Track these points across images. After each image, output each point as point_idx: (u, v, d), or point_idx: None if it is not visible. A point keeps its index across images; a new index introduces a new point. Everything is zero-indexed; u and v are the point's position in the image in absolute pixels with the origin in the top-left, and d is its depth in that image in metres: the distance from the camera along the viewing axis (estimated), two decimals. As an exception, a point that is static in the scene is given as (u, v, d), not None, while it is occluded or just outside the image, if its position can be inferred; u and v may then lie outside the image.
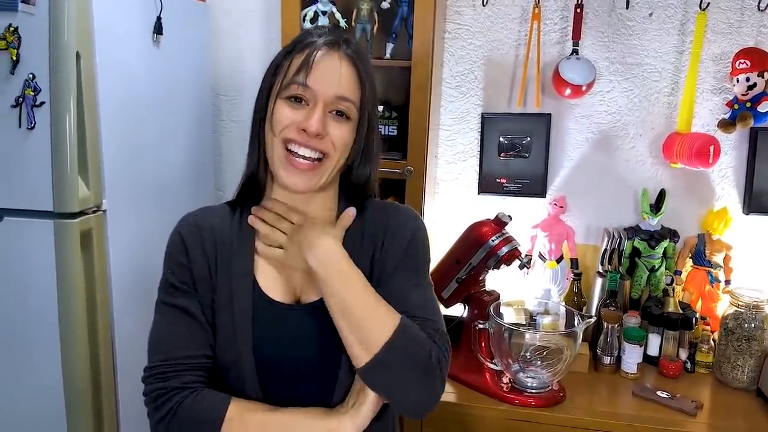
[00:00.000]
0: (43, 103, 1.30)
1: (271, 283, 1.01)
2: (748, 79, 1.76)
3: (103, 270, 1.44)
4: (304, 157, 0.95)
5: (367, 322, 0.91)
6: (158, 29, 1.63)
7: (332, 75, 0.94)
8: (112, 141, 1.45)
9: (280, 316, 0.99)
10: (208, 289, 0.99)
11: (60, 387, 1.38)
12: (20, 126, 1.31)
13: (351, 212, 1.02)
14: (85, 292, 1.39)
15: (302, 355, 0.99)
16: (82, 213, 1.37)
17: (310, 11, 1.75)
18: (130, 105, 1.54)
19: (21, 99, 1.30)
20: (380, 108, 1.85)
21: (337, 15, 1.75)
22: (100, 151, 1.41)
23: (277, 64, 0.98)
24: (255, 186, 1.04)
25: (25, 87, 1.30)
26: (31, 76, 1.30)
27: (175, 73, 1.77)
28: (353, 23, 1.80)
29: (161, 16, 1.63)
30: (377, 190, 1.09)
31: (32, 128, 1.31)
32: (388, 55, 1.81)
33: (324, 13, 1.75)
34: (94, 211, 1.42)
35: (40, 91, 1.30)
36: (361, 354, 0.91)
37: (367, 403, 0.95)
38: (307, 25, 1.73)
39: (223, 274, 0.99)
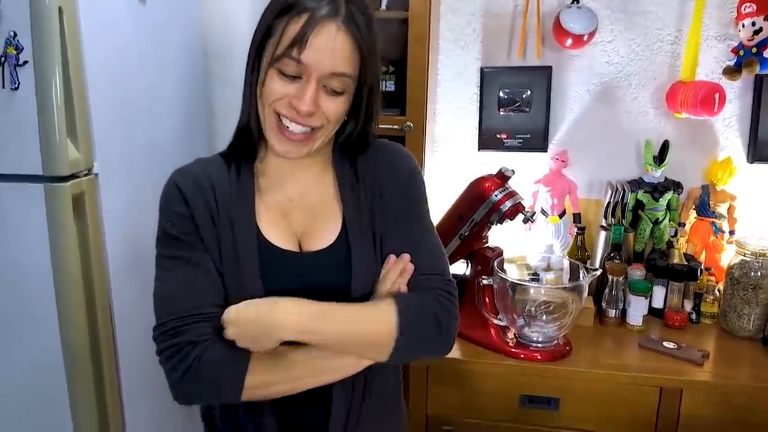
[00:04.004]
0: (26, 62, 1.24)
1: (274, 230, 0.99)
2: (753, 24, 1.71)
3: (97, 234, 1.40)
4: (295, 132, 0.94)
5: (368, 338, 0.93)
6: (143, -16, 1.57)
7: (327, 51, 0.88)
8: (100, 101, 1.40)
9: (286, 263, 0.98)
10: (213, 238, 0.96)
11: (59, 355, 1.35)
12: (3, 86, 1.25)
13: None
14: (79, 257, 1.35)
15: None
16: (72, 176, 1.32)
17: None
18: (118, 64, 1.49)
19: (3, 58, 1.24)
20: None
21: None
22: (89, 111, 1.36)
23: (268, 23, 0.92)
24: (248, 140, 1.01)
25: (7, 45, 1.24)
26: (12, 33, 1.24)
27: (163, 32, 1.71)
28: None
29: (146, -30, 1.56)
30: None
31: (16, 88, 1.25)
32: (384, 7, 1.76)
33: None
34: (86, 175, 1.37)
35: (23, 49, 1.24)
36: (378, 357, 0.95)
37: None
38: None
39: (226, 224, 0.97)
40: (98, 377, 1.42)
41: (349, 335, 0.93)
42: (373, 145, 1.06)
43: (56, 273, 1.32)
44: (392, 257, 0.99)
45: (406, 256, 0.99)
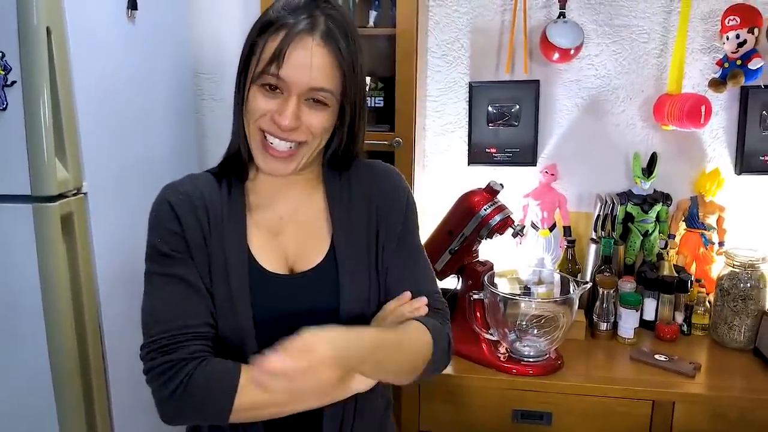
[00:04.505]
0: (14, 82, 1.25)
1: (265, 253, 0.99)
2: (738, 36, 1.73)
3: (87, 254, 1.40)
4: (279, 148, 0.94)
5: (408, 363, 0.96)
6: (133, 4, 1.57)
7: (305, 66, 0.89)
8: (89, 121, 1.40)
9: (275, 286, 0.98)
10: (204, 257, 0.96)
11: (48, 375, 1.34)
12: (-9, 107, 1.26)
13: None
14: (68, 278, 1.35)
15: (299, 323, 0.97)
16: (61, 196, 1.32)
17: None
18: (107, 84, 1.49)
19: (-9, 79, 1.25)
20: (366, 79, 1.81)
21: (318, -16, 1.70)
22: (78, 131, 1.36)
23: (251, 41, 0.93)
24: (239, 160, 1.01)
25: (-5, 66, 1.25)
26: (0, 54, 1.24)
27: (153, 51, 1.71)
28: (334, -8, 1.75)
29: (135, -10, 1.57)
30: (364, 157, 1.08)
31: (4, 109, 1.26)
32: (371, 23, 1.77)
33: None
34: (75, 194, 1.37)
35: (11, 69, 1.25)
36: (407, 379, 0.97)
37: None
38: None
39: (217, 244, 0.97)
40: (88, 396, 1.41)
41: (396, 361, 0.94)
42: (363, 162, 1.07)
43: (45, 293, 1.32)
44: (407, 294, 1.01)
45: (423, 299, 1.01)
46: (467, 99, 1.98)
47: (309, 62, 0.89)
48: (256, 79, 0.91)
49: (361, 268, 1.00)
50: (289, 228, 1.02)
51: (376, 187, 1.05)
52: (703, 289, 1.81)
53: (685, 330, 1.77)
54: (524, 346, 1.58)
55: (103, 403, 1.45)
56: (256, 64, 0.91)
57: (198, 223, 0.97)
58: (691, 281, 1.80)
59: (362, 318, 1.00)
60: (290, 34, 0.88)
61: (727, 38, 1.75)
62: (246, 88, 0.93)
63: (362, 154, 1.07)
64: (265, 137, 0.94)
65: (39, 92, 1.25)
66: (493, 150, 1.98)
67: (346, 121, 0.97)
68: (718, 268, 1.82)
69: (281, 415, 0.94)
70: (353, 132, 1.00)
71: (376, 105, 1.83)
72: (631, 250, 1.89)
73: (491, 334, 1.60)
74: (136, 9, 1.58)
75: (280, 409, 0.93)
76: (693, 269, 1.90)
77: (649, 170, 1.89)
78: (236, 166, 1.01)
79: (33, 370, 1.34)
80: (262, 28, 0.92)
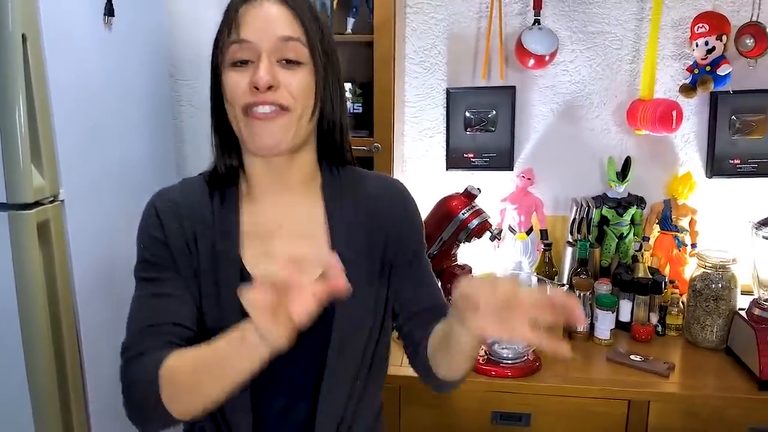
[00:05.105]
0: (-11, 89, 1.24)
1: (258, 262, 0.96)
2: (707, 43, 1.78)
3: (64, 262, 1.39)
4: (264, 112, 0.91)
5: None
6: (109, 11, 1.57)
7: (263, 21, 0.90)
8: (66, 128, 1.39)
9: None
10: (188, 263, 0.96)
11: (25, 385, 1.33)
12: (-34, 114, 1.25)
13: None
14: (45, 286, 1.33)
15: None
16: (37, 204, 1.31)
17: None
18: (84, 91, 1.48)
19: (-35, 86, 1.24)
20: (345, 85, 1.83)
21: (295, -9, 1.71)
22: (54, 138, 1.35)
23: (216, 38, 0.95)
24: (231, 171, 1.01)
25: (-31, 73, 1.24)
26: (-26, 61, 1.23)
27: (130, 58, 1.71)
28: (312, -1, 1.76)
29: (111, -4, 1.56)
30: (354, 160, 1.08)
31: (-21, 116, 1.25)
32: (349, 30, 1.78)
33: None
34: (51, 201, 1.36)
35: (-15, 76, 1.24)
36: (469, 365, 0.97)
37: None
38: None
39: (207, 255, 0.95)
40: (65, 403, 1.39)
41: None
42: (370, 174, 1.07)
43: (21, 301, 1.30)
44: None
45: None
46: (445, 105, 2.00)
47: (267, 16, 0.90)
48: (225, 60, 0.91)
49: (358, 282, 0.94)
50: (284, 237, 0.99)
51: (387, 206, 1.04)
52: (677, 290, 1.84)
53: (660, 331, 1.81)
54: (503, 348, 1.60)
55: (80, 410, 1.44)
56: (222, 49, 0.92)
57: (181, 228, 0.96)
58: (665, 283, 1.83)
59: (358, 332, 0.97)
60: (241, 4, 0.92)
61: (697, 45, 1.80)
62: (222, 78, 0.93)
63: (350, 147, 1.05)
64: (249, 114, 0.91)
65: (14, 99, 1.24)
66: (471, 155, 2.00)
67: (321, 76, 0.94)
68: (691, 269, 1.86)
69: (208, 397, 0.84)
70: (337, 98, 0.99)
71: (355, 111, 1.85)
72: (607, 252, 1.93)
73: (470, 337, 1.61)
74: (113, 15, 1.57)
75: (209, 388, 0.83)
76: (667, 271, 1.93)
77: (623, 174, 1.93)
78: (226, 175, 1.00)
79: (9, 378, 1.33)
80: (222, 22, 0.94)
